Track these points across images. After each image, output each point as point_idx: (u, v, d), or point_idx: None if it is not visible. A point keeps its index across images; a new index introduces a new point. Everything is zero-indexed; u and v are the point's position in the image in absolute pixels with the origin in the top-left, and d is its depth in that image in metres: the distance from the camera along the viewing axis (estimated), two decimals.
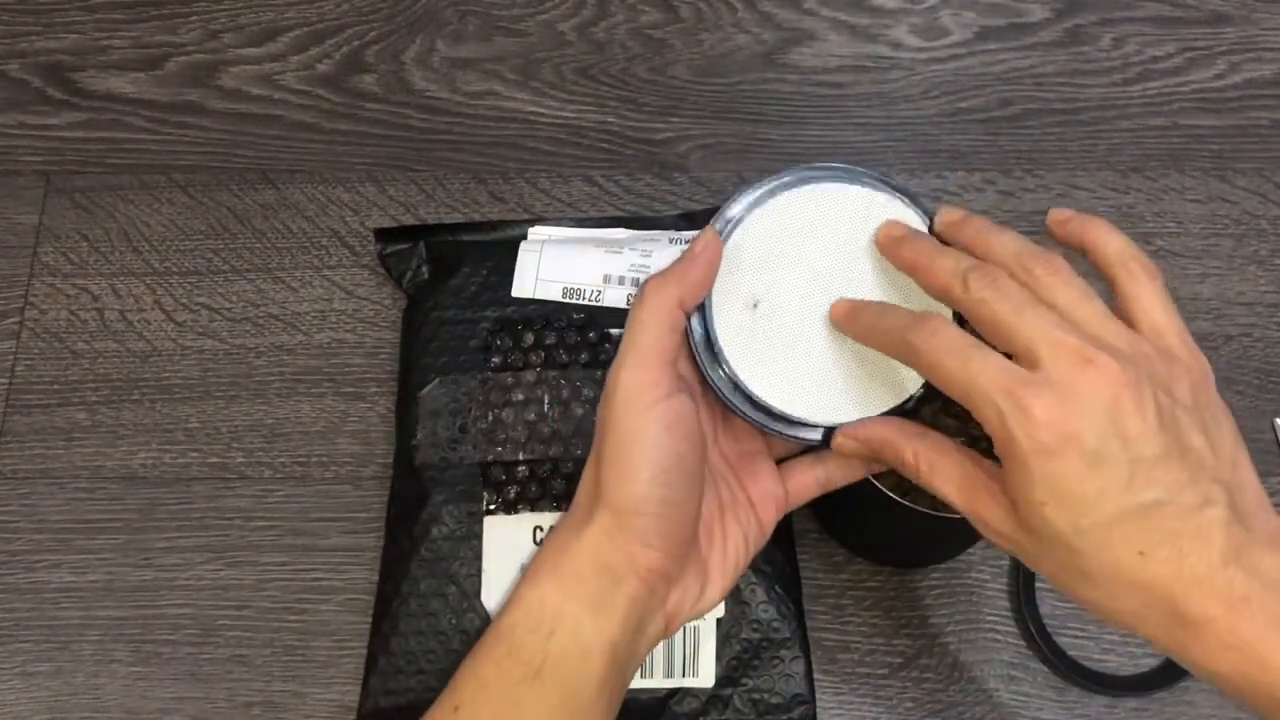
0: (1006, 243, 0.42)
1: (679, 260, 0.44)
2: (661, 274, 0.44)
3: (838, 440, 0.45)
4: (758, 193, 0.46)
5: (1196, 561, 0.36)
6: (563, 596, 0.43)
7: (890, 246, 0.44)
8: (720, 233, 0.45)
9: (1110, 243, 0.41)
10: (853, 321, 0.44)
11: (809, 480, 0.48)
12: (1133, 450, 0.37)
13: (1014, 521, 0.39)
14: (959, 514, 0.42)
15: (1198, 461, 0.37)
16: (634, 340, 0.43)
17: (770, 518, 0.48)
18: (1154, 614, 0.37)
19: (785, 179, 0.46)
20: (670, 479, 0.42)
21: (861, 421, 0.45)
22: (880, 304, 0.44)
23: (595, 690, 0.43)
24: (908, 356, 0.41)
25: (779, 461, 0.49)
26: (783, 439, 0.46)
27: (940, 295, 0.42)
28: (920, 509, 0.48)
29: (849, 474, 0.48)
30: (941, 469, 0.42)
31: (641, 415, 0.42)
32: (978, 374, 0.38)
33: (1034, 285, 0.40)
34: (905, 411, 0.45)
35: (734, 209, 0.46)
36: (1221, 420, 0.39)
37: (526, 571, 0.45)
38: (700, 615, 0.47)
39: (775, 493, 0.48)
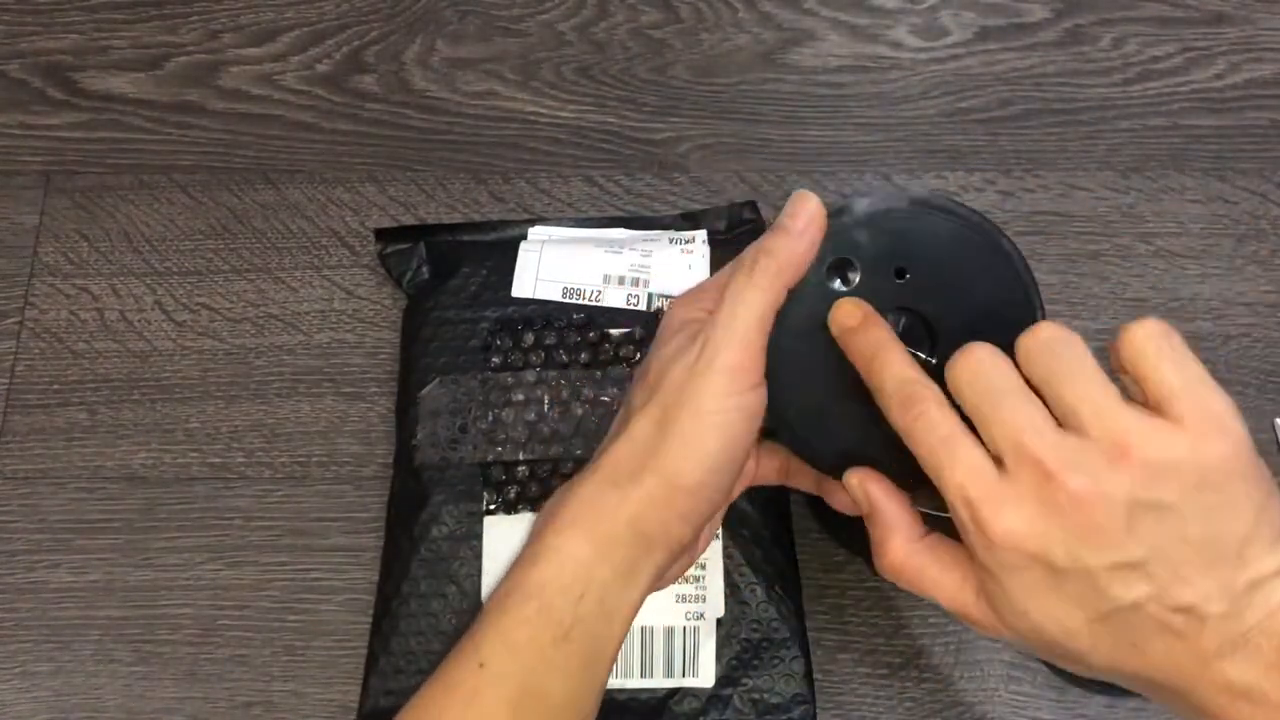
0: None
1: (780, 236, 0.41)
2: (768, 250, 0.41)
3: (849, 478, 0.43)
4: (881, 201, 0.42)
5: (1190, 657, 0.35)
6: (595, 558, 0.41)
7: (843, 336, 0.41)
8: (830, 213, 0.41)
9: (1125, 344, 0.38)
10: (852, 337, 0.41)
11: (775, 466, 0.48)
12: (1106, 557, 0.35)
13: (1006, 625, 0.39)
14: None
15: (1188, 557, 0.35)
16: (738, 315, 0.40)
17: (736, 494, 0.47)
18: (1168, 699, 0.37)
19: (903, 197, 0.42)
20: (732, 467, 0.42)
21: (878, 482, 0.42)
22: (893, 346, 0.40)
23: (613, 652, 0.43)
24: (890, 418, 0.40)
25: None
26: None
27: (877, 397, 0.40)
28: (920, 509, 0.48)
29: (811, 486, 0.48)
30: (933, 579, 0.41)
31: (730, 399, 0.40)
32: (947, 471, 0.37)
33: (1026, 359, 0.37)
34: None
35: (860, 205, 0.42)
36: (1238, 498, 0.36)
37: (551, 515, 0.43)
38: (669, 584, 0.46)
39: (750, 471, 0.47)
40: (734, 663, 0.54)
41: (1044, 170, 0.68)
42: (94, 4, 0.73)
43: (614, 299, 0.59)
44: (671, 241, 0.61)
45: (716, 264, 0.60)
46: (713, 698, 0.54)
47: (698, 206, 0.66)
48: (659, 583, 0.44)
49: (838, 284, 0.42)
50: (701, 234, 0.62)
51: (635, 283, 0.60)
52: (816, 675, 0.56)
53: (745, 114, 0.69)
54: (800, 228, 0.41)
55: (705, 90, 0.70)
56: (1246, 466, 0.36)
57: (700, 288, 0.46)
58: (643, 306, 0.59)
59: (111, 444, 0.62)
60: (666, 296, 0.59)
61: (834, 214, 0.42)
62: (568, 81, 0.70)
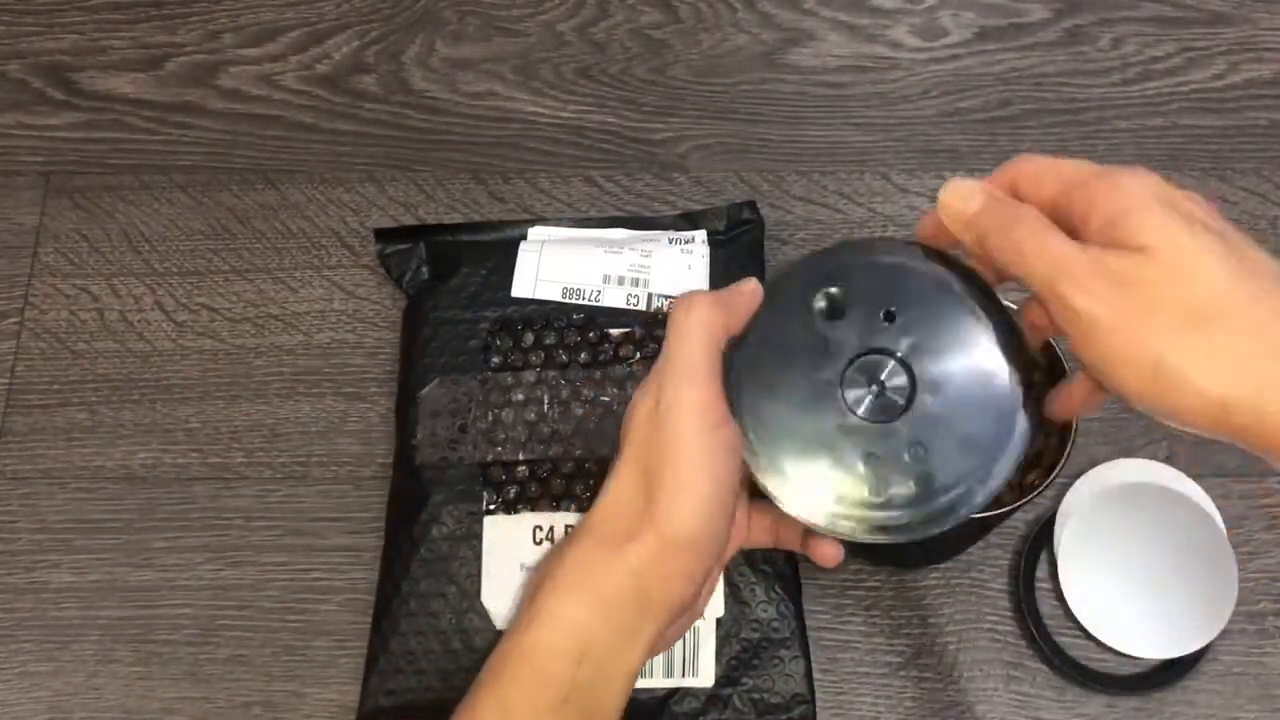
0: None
1: (721, 291, 0.42)
2: (706, 294, 0.41)
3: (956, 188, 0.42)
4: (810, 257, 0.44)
5: None
6: (594, 620, 0.40)
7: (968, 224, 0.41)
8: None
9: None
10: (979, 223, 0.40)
11: (765, 525, 0.47)
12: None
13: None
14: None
15: None
16: (686, 356, 0.40)
17: (730, 554, 0.46)
18: None
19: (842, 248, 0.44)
20: (724, 510, 0.40)
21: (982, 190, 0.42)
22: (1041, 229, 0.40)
23: (612, 716, 0.41)
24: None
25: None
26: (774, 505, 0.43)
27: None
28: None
29: (798, 545, 0.47)
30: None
31: (706, 435, 0.39)
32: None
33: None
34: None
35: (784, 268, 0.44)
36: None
37: (544, 578, 0.42)
38: (670, 645, 0.45)
39: (742, 528, 0.46)
40: (734, 663, 0.54)
41: None
42: (94, 4, 0.73)
43: (614, 299, 0.59)
44: (671, 241, 0.61)
45: (716, 264, 0.61)
46: (713, 698, 0.54)
47: (697, 206, 0.66)
48: (660, 644, 0.42)
49: (824, 307, 0.42)
50: (701, 234, 0.62)
51: (635, 283, 0.60)
52: (816, 675, 0.56)
53: (745, 114, 0.69)
54: (745, 289, 0.42)
55: (705, 90, 0.70)
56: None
57: (712, 294, 0.45)
58: (642, 306, 0.59)
59: (111, 444, 0.62)
60: (666, 296, 0.59)
61: (842, 246, 0.44)
62: (567, 81, 0.70)
